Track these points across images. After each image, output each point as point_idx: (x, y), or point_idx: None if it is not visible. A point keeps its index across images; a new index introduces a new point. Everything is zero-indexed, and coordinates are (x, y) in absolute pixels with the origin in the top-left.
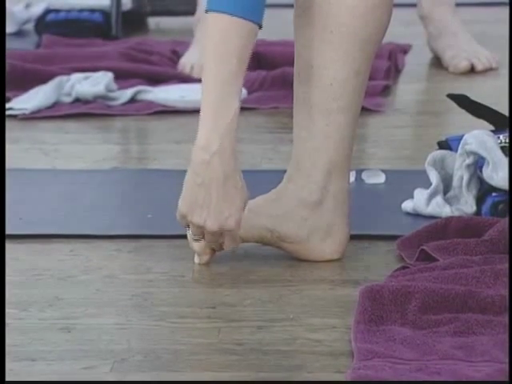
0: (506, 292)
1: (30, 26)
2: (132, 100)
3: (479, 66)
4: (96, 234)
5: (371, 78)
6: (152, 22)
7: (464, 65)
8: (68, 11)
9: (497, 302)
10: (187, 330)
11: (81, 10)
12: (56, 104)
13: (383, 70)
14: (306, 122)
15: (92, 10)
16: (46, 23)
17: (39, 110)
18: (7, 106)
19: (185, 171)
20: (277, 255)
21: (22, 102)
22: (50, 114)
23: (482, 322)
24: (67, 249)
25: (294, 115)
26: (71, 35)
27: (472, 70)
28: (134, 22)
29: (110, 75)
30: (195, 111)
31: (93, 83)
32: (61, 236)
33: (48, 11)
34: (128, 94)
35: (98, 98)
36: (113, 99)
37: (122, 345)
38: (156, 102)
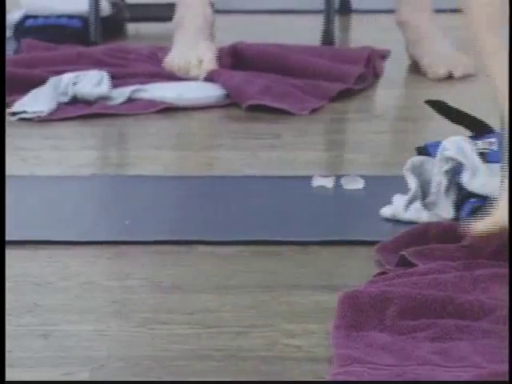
0: (484, 298)
1: (8, 33)
2: (129, 99)
3: (457, 73)
4: (74, 240)
5: (341, 81)
6: (131, 27)
7: (442, 72)
8: (46, 17)
9: (475, 307)
10: (167, 337)
11: (59, 16)
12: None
13: (355, 75)
14: None
15: (70, 16)
16: (24, 29)
17: (52, 112)
18: (12, 110)
19: (164, 177)
20: (256, 261)
21: (27, 105)
22: (64, 115)
23: (460, 328)
24: (45, 255)
25: None
26: (50, 41)
27: (450, 77)
28: (113, 28)
29: (105, 74)
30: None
31: (93, 83)
32: (39, 242)
33: (26, 17)
34: (126, 93)
35: (99, 99)
36: (112, 99)
37: (101, 351)
38: (156, 100)
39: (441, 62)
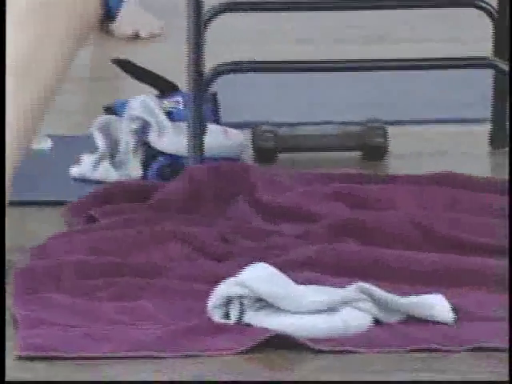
0: (160, 256)
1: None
2: None
3: (144, 33)
4: None
5: None
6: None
7: (129, 31)
8: None
9: (150, 266)
10: None
11: None
12: None
13: None
14: None
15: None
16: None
17: None
18: None
19: None
20: None
21: None
22: None
23: (140, 286)
24: None
25: None
26: None
27: (137, 36)
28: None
29: None
30: None
31: None
32: None
33: None
34: None
35: None
36: None
37: None
38: None
39: (127, 21)
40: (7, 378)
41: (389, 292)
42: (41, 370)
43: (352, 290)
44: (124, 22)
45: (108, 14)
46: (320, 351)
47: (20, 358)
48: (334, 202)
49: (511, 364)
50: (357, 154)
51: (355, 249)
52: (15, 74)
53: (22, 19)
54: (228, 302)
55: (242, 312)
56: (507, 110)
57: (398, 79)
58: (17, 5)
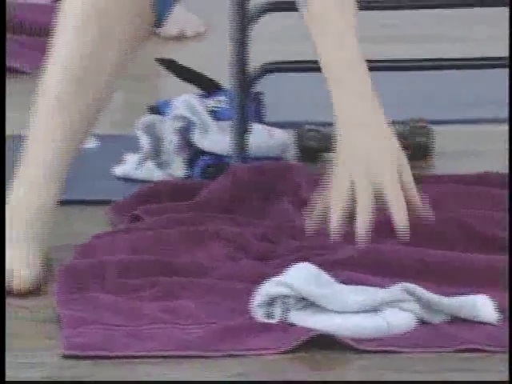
0: (204, 256)
1: None
2: None
3: (189, 32)
4: None
5: None
6: None
7: (175, 31)
8: None
9: (194, 266)
10: None
11: None
12: None
13: None
14: None
15: None
16: None
17: None
18: None
19: None
20: None
21: None
22: None
23: (183, 285)
24: None
25: None
26: None
27: (183, 36)
28: None
29: None
30: None
31: None
32: None
33: None
34: None
35: None
36: None
37: None
38: None
39: (172, 21)
40: (52, 377)
41: (432, 292)
42: (85, 369)
43: (396, 290)
44: (169, 22)
45: (158, 20)
46: (364, 351)
47: (64, 356)
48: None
49: (511, 364)
50: None
51: (397, 248)
52: (74, 76)
53: (80, 24)
54: (271, 301)
55: (285, 311)
56: None
57: (442, 78)
58: (75, 11)
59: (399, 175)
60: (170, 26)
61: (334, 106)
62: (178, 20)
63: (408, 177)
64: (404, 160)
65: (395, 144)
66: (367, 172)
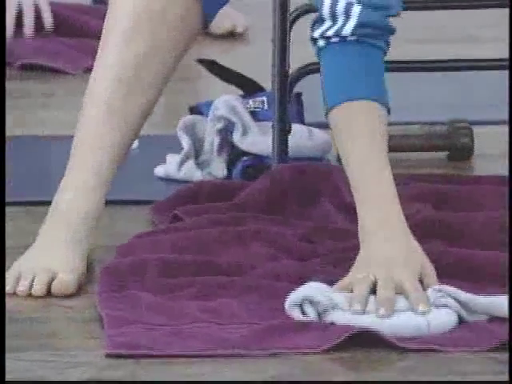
0: (244, 255)
1: None
2: None
3: (240, 28)
4: None
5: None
6: None
7: (227, 26)
8: None
9: (234, 265)
10: None
11: None
12: None
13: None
14: None
15: None
16: None
17: None
18: None
19: None
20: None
21: None
22: None
23: (222, 284)
24: None
25: None
26: None
27: (233, 32)
28: None
29: None
30: None
31: None
32: None
33: None
34: None
35: None
36: None
37: None
38: None
39: (222, 16)
40: (96, 377)
41: (473, 293)
42: (128, 368)
43: (436, 290)
44: (220, 19)
45: (206, 22)
46: (405, 350)
47: (108, 355)
48: (419, 203)
49: (511, 364)
50: (442, 154)
51: (440, 249)
52: (124, 82)
53: (131, 28)
54: (308, 301)
55: (322, 312)
56: None
57: (483, 79)
58: (127, 14)
59: (422, 278)
60: (222, 22)
61: (359, 221)
62: (228, 16)
63: (431, 279)
64: (430, 269)
65: (420, 254)
66: (387, 273)
